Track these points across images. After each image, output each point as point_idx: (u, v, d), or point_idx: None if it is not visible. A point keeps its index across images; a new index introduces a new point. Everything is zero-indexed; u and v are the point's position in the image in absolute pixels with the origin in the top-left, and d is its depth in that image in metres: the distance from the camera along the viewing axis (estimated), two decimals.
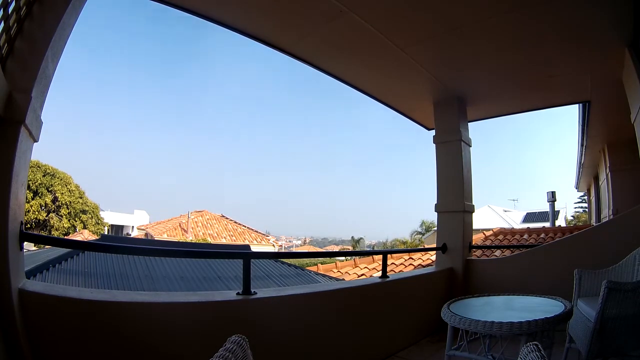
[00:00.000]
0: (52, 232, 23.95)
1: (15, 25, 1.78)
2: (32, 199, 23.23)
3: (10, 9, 1.69)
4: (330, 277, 8.24)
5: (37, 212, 23.40)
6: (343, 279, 7.82)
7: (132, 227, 33.59)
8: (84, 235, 22.18)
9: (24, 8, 1.81)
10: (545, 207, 17.88)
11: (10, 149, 1.70)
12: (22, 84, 1.76)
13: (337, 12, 3.03)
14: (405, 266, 8.87)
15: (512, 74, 4.25)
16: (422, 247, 15.83)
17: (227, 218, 27.58)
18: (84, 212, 26.09)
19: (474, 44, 3.59)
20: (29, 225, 22.86)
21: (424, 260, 9.04)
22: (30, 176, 22.81)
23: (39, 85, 1.82)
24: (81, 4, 2.11)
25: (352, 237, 32.91)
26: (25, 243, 1.90)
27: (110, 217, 32.42)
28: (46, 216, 24.12)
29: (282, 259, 8.93)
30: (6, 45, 1.76)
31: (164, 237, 22.39)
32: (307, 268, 9.32)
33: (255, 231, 26.67)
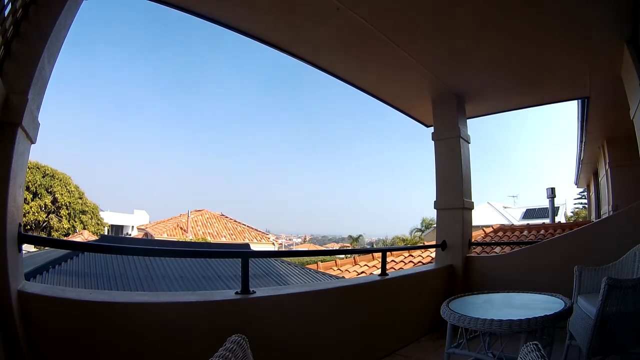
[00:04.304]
0: (52, 233, 23.96)
1: (12, 27, 1.77)
2: (32, 200, 23.24)
3: (6, 12, 1.68)
4: (330, 275, 8.25)
5: (36, 214, 23.39)
6: (343, 277, 7.82)
7: (132, 227, 33.61)
8: (84, 235, 22.20)
9: (20, 10, 1.80)
10: (544, 203, 17.88)
11: (7, 151, 1.70)
12: (18, 86, 1.76)
13: (333, 10, 3.02)
14: (405, 263, 8.88)
15: (510, 70, 4.25)
16: (422, 244, 15.84)
17: (226, 217, 27.58)
18: (83, 212, 26.11)
19: (472, 40, 3.58)
20: (28, 227, 22.88)
21: (423, 258, 9.05)
22: (29, 177, 22.80)
23: (35, 87, 1.82)
24: (76, 6, 2.10)
25: (350, 235, 32.91)
26: (25, 245, 1.89)
27: (110, 217, 32.45)
28: (46, 217, 24.12)
29: (282, 258, 8.93)
30: (3, 47, 1.75)
31: (164, 236, 22.38)
32: (307, 266, 9.33)
33: (255, 230, 26.67)
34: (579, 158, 9.15)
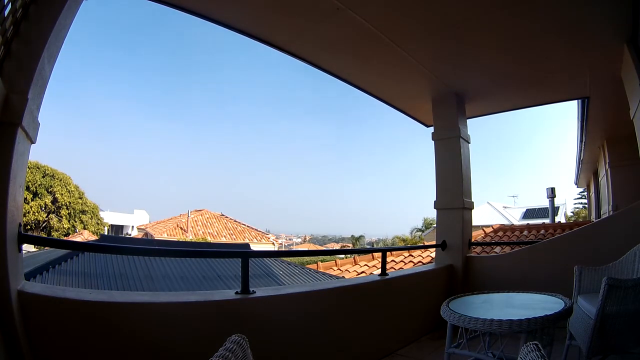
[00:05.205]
0: (52, 233, 23.95)
1: (12, 27, 1.77)
2: (32, 200, 23.22)
3: (6, 12, 1.68)
4: (330, 275, 8.25)
5: (36, 214, 23.38)
6: (343, 277, 7.83)
7: (132, 227, 33.63)
8: (84, 235, 22.21)
9: (20, 10, 1.79)
10: (544, 203, 17.88)
11: (7, 151, 1.69)
12: (18, 86, 1.75)
13: (333, 10, 3.02)
14: (405, 263, 8.88)
15: (510, 70, 4.24)
16: (422, 244, 15.85)
17: (226, 217, 27.58)
18: (83, 212, 26.09)
19: (472, 40, 3.58)
20: (28, 227, 22.86)
21: (424, 258, 9.05)
22: (29, 177, 22.80)
23: (35, 87, 1.81)
24: (77, 6, 2.09)
25: (352, 235, 32.91)
26: (25, 244, 1.89)
27: (110, 217, 32.46)
28: (46, 217, 24.11)
29: (282, 258, 8.93)
30: (3, 47, 1.74)
31: (164, 236, 22.39)
32: (307, 266, 9.34)
33: (255, 229, 26.68)
34: (579, 158, 9.14)
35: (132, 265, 6.81)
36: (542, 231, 9.56)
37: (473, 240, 4.88)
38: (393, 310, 3.58)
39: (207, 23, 3.22)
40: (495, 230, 10.42)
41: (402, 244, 26.26)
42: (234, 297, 2.44)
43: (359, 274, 8.11)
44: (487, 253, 7.98)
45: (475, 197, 4.86)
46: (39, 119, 1.92)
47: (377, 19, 3.22)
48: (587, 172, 11.22)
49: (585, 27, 3.38)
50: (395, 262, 8.95)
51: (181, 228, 24.10)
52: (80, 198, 26.28)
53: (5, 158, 1.69)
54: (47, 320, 1.83)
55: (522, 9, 3.07)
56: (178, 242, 19.12)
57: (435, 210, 4.80)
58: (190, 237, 22.90)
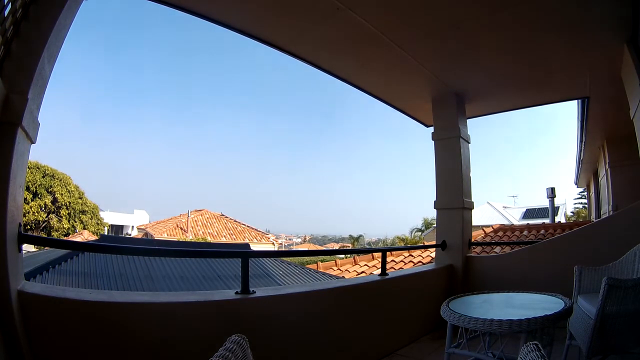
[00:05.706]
0: (52, 233, 23.94)
1: (12, 27, 1.77)
2: (32, 200, 23.22)
3: (6, 12, 1.68)
4: (330, 275, 8.25)
5: (36, 214, 23.37)
6: (343, 277, 7.82)
7: (132, 227, 33.62)
8: (84, 235, 22.20)
9: (20, 10, 1.79)
10: (544, 203, 17.87)
11: (7, 151, 1.69)
12: (18, 86, 1.75)
13: (333, 10, 3.02)
14: (405, 263, 8.88)
15: (511, 70, 4.25)
16: (422, 244, 15.82)
17: (226, 217, 27.57)
18: (83, 212, 26.09)
19: (472, 40, 3.58)
20: (28, 227, 22.86)
21: (423, 258, 9.05)
22: (29, 177, 22.80)
23: (35, 87, 1.81)
24: (77, 6, 2.09)
25: (350, 235, 32.90)
26: (25, 245, 1.89)
27: (110, 217, 32.46)
28: (46, 217, 24.11)
29: (282, 258, 8.93)
30: (3, 47, 1.74)
31: (164, 236, 22.37)
32: (307, 266, 9.34)
33: (255, 229, 26.66)
34: (579, 158, 9.14)
35: (132, 265, 6.81)
36: (542, 231, 9.56)
37: (473, 240, 4.88)
38: (393, 310, 3.58)
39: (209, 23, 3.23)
40: (495, 230, 10.42)
41: (402, 244, 26.23)
42: (234, 297, 2.44)
43: (359, 274, 8.10)
44: (487, 253, 7.98)
45: (475, 197, 4.87)
46: (39, 119, 1.93)
47: (377, 19, 3.22)
48: (587, 172, 11.21)
49: (585, 27, 3.38)
50: (395, 262, 8.95)
51: (181, 228, 24.09)
52: (80, 198, 26.28)
53: (5, 158, 1.69)
54: (47, 320, 1.83)
55: (522, 9, 3.07)
56: (178, 242, 19.11)
57: (435, 210, 4.80)
58: (190, 237, 22.89)
